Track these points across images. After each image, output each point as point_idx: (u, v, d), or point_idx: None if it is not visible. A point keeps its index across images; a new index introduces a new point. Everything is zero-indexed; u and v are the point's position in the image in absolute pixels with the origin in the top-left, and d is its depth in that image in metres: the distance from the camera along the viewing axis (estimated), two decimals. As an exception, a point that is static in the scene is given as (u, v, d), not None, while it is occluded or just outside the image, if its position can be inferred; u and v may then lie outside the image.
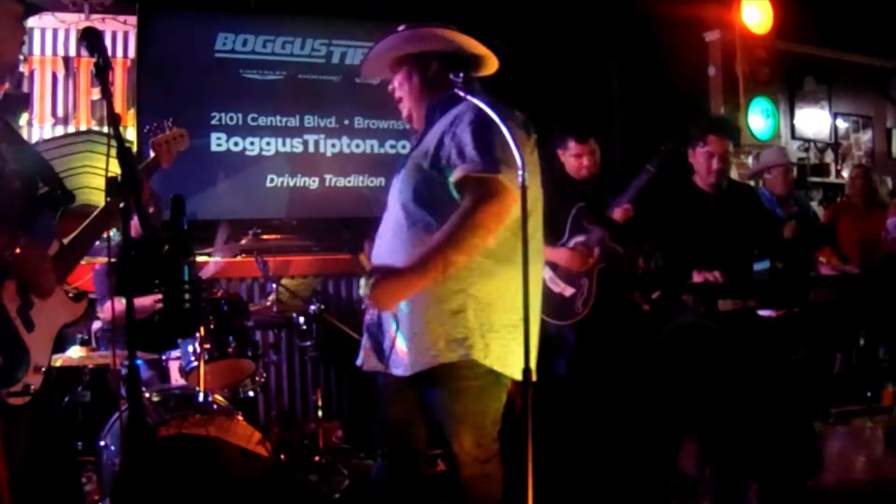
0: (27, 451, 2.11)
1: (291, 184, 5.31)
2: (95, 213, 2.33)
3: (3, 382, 2.01)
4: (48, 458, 2.20)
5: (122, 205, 2.06)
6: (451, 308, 2.27)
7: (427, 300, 2.26)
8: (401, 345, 2.32)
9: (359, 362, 2.52)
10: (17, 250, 2.03)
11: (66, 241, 2.27)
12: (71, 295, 2.29)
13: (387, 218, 2.42)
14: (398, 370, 2.34)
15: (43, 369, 2.11)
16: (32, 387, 2.07)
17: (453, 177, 2.25)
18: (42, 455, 2.17)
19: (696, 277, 3.65)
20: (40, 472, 2.16)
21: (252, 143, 5.23)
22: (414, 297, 2.24)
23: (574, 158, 4.16)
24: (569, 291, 4.02)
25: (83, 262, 3.15)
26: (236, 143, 5.20)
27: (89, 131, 4.94)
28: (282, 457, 3.90)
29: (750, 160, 6.30)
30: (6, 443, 2.02)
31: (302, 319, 4.19)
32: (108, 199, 2.30)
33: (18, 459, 2.07)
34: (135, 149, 4.60)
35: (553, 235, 4.06)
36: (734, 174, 5.98)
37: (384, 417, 2.54)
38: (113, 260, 2.29)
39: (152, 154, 2.68)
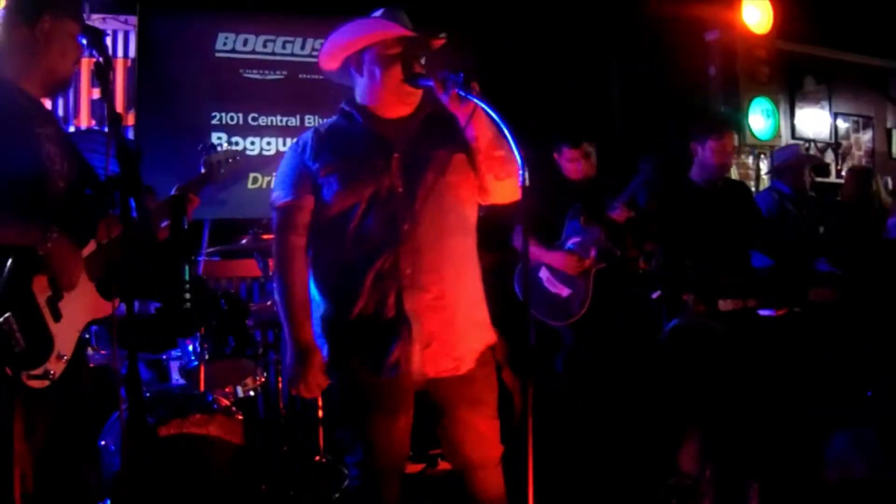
0: (47, 439, 2.17)
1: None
2: None
3: (25, 365, 2.08)
4: (66, 449, 2.25)
5: (120, 207, 2.09)
6: None
7: None
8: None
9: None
10: (49, 245, 2.11)
11: (105, 241, 2.33)
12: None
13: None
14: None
15: (66, 358, 2.18)
16: (53, 373, 2.14)
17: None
18: (60, 446, 2.23)
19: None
20: (57, 462, 2.22)
21: (252, 143, 5.24)
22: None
23: (569, 162, 4.17)
24: (566, 292, 4.02)
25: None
26: (237, 143, 5.20)
27: (89, 131, 4.94)
28: (281, 456, 3.91)
29: (750, 160, 6.30)
30: (26, 426, 2.09)
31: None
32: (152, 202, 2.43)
33: (36, 446, 2.13)
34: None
35: (550, 237, 4.07)
36: (734, 173, 5.99)
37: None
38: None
39: (203, 170, 2.88)
